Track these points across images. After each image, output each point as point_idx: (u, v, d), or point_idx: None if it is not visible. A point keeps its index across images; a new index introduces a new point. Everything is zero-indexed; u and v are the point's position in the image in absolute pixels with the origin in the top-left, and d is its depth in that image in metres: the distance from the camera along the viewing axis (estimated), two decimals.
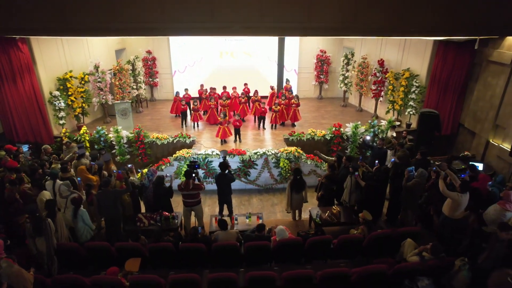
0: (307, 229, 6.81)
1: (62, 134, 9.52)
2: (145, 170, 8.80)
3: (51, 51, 9.62)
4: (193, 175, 6.57)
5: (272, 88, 12.57)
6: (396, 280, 4.86)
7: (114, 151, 9.59)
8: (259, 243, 5.39)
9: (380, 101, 11.70)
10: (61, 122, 9.83)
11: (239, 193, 9.10)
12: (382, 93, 11.36)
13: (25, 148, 9.34)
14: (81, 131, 9.44)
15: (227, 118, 9.78)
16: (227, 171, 6.95)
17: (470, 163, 8.20)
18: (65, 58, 10.12)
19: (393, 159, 7.45)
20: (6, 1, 6.90)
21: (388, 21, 7.61)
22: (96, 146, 9.59)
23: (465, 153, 9.15)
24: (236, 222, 6.72)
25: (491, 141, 8.90)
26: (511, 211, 5.42)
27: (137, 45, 13.11)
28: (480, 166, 8.49)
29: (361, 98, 12.70)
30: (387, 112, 11.16)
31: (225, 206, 7.23)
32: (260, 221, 6.71)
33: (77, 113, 10.26)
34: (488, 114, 8.94)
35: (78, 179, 6.43)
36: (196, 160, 8.18)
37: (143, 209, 7.40)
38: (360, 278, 4.77)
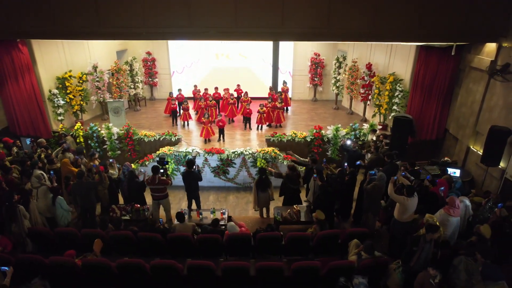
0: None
1: (59, 129, 10.27)
2: (132, 166, 9.41)
3: (51, 52, 10.38)
4: (162, 170, 7.03)
5: (271, 89, 12.89)
6: (331, 277, 5.09)
7: (105, 146, 10.25)
8: (210, 235, 5.77)
9: (368, 104, 11.77)
10: (59, 118, 10.59)
11: (217, 190, 9.53)
12: (370, 96, 11.43)
13: (28, 141, 10.16)
14: (76, 127, 10.15)
15: (210, 118, 10.22)
16: (195, 169, 7.36)
17: (447, 168, 8.28)
18: (65, 58, 10.87)
19: (358, 162, 7.61)
20: (2, 8, 7.63)
21: (360, 26, 7.80)
22: (89, 142, 10.32)
23: (445, 158, 9.13)
24: (201, 216, 7.12)
25: (471, 147, 8.85)
26: (454, 216, 5.52)
27: (138, 47, 13.77)
28: (457, 172, 8.49)
29: (351, 101, 12.79)
30: (373, 115, 11.22)
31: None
32: (224, 216, 7.09)
33: (75, 110, 10.99)
34: (469, 120, 8.90)
35: (51, 172, 7.03)
36: (165, 157, 8.67)
37: (121, 201, 7.97)
38: (295, 273, 5.05)
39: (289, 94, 13.68)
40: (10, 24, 7.83)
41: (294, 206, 7.13)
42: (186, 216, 7.06)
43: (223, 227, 6.49)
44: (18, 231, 5.75)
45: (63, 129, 10.24)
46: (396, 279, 5.03)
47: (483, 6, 7.54)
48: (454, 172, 8.37)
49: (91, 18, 7.72)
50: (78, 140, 10.21)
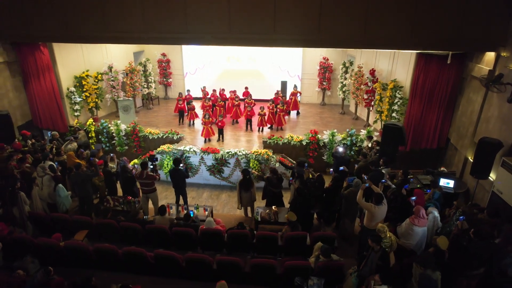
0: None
1: (75, 124, 11.21)
2: (135, 161, 10.11)
3: (70, 53, 11.34)
4: (151, 166, 7.57)
5: (277, 92, 13.14)
6: (290, 276, 5.31)
7: (114, 141, 11.05)
8: (183, 229, 6.19)
9: (371, 110, 11.68)
10: (76, 114, 11.54)
11: (212, 188, 9.96)
12: (372, 102, 11.35)
13: (49, 133, 11.21)
14: (88, 123, 11.03)
15: (210, 119, 10.68)
16: (182, 167, 7.82)
17: (441, 178, 8.13)
18: (83, 59, 11.82)
19: (341, 167, 7.69)
20: (23, 15, 8.56)
21: (351, 33, 7.90)
22: (100, 137, 11.16)
23: (441, 168, 8.94)
24: (186, 211, 7.56)
25: (469, 158, 8.61)
26: (419, 226, 5.52)
27: (154, 48, 14.59)
28: (451, 183, 8.31)
29: (357, 106, 12.73)
30: (375, 121, 11.14)
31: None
32: (206, 213, 7.48)
33: (90, 107, 11.90)
34: (468, 130, 8.68)
35: (56, 163, 7.79)
36: (155, 154, 9.23)
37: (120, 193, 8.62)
38: (253, 269, 5.33)
39: (299, 98, 13.82)
40: (30, 30, 8.76)
41: (273, 207, 7.37)
42: (173, 211, 7.57)
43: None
44: (19, 215, 6.51)
45: (78, 124, 11.16)
46: (350, 283, 5.16)
47: (480, 14, 7.36)
48: (448, 182, 8.20)
49: (98, 24, 8.45)
50: (90, 135, 11.07)
